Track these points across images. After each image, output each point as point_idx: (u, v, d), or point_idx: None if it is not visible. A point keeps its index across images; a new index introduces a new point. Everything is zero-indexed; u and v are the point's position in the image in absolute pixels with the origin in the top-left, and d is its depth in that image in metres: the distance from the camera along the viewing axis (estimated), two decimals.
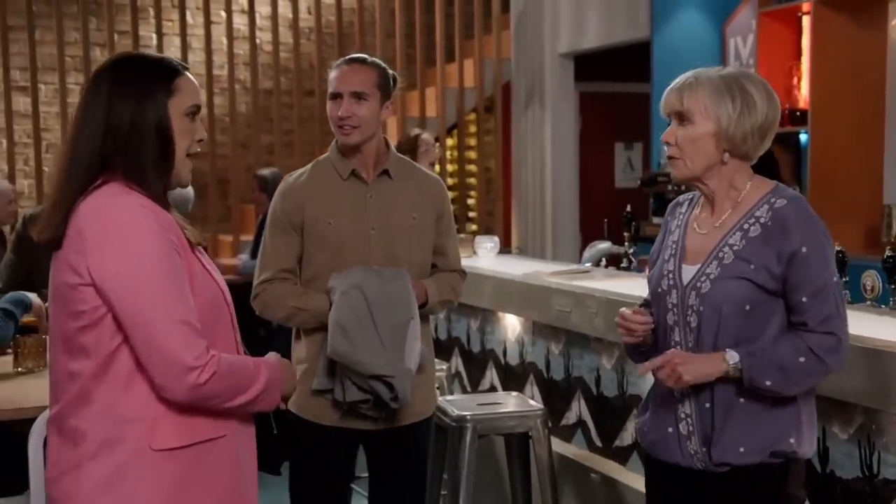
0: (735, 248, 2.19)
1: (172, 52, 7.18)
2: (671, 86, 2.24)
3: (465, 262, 4.47)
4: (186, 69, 2.08)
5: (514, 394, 3.70)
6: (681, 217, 2.36)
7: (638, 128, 6.98)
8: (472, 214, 8.05)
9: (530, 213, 7.28)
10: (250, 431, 2.13)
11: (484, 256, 4.82)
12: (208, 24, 6.91)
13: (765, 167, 2.33)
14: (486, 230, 7.60)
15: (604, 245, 4.48)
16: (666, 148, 2.26)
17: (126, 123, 1.95)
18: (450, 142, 7.89)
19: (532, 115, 7.27)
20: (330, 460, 2.96)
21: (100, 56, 6.96)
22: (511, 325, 4.16)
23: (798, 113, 5.22)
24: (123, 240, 1.90)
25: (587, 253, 4.53)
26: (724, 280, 2.18)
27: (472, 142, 8.00)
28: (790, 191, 2.24)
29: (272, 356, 2.17)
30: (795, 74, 5.33)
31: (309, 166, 3.00)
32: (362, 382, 2.74)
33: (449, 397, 3.61)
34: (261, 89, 7.44)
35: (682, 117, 2.20)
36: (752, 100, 2.17)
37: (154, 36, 6.91)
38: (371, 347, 2.71)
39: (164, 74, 2.01)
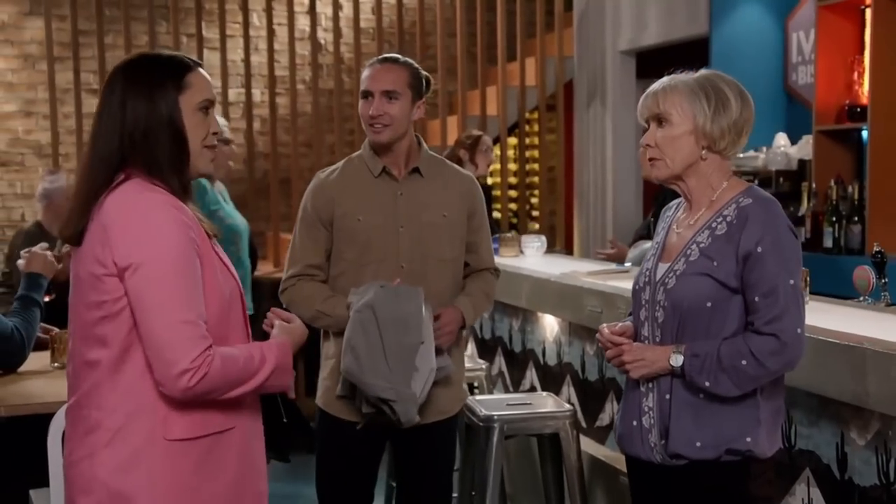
0: (702, 245, 2.25)
1: (238, 53, 7.30)
2: (647, 91, 2.32)
3: (511, 262, 4.49)
4: (199, 65, 2.13)
5: (546, 394, 3.67)
6: (667, 219, 2.44)
7: None
8: (534, 214, 8.01)
9: (591, 212, 7.21)
10: (258, 423, 2.19)
11: (531, 256, 4.80)
12: (270, 25, 7.00)
13: None
14: (549, 230, 7.56)
15: (647, 244, 4.40)
16: (646, 151, 2.33)
17: (140, 122, 2.02)
18: (512, 141, 7.86)
19: (594, 113, 7.20)
20: (355, 456, 2.99)
21: None
22: (549, 325, 4.13)
23: (858, 109, 5.05)
24: (146, 235, 1.97)
25: (631, 253, 4.46)
26: (688, 276, 2.24)
27: (536, 141, 7.96)
28: (761, 191, 2.30)
29: (281, 338, 2.19)
30: (857, 70, 5.16)
31: (341, 163, 3.05)
32: (371, 398, 2.79)
33: (479, 397, 3.61)
34: (323, 89, 7.52)
35: (660, 119, 2.29)
36: (726, 97, 2.26)
37: (218, 38, 7.02)
38: (377, 370, 2.75)
39: (173, 71, 2.07)
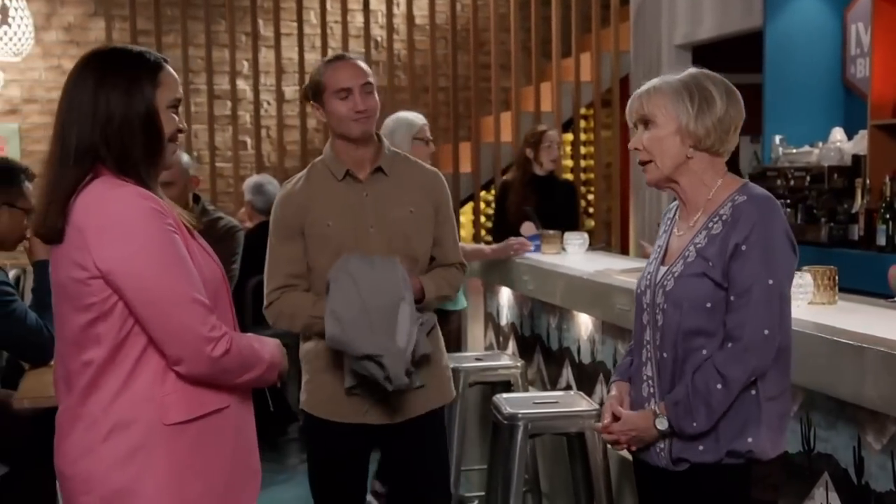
0: (699, 246, 2.22)
1: (296, 51, 7.36)
2: (634, 93, 2.31)
3: (550, 259, 4.46)
4: (167, 62, 2.12)
5: (576, 393, 3.63)
6: (668, 223, 2.41)
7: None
8: (591, 211, 7.94)
9: (647, 209, 7.11)
10: (249, 402, 2.22)
11: (573, 253, 4.75)
12: (324, 23, 7.06)
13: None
14: (606, 227, 7.49)
15: None
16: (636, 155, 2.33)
17: (116, 116, 2.00)
18: (567, 137, 7.80)
19: None
20: (343, 454, 3.00)
21: (226, 56, 7.19)
22: (584, 323, 4.09)
23: None
24: (124, 230, 1.96)
25: None
26: (685, 278, 2.21)
27: (591, 137, 7.89)
28: (757, 189, 2.24)
29: (265, 338, 2.24)
30: None
31: (304, 171, 3.05)
32: (356, 365, 2.79)
33: (505, 395, 3.58)
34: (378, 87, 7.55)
35: (646, 121, 2.27)
36: (711, 96, 2.22)
37: (273, 36, 7.11)
38: (360, 329, 2.74)
39: (148, 67, 2.05)
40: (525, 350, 4.72)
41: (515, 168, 5.57)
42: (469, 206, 7.38)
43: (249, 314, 5.51)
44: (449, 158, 7.21)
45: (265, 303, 2.98)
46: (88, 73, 2.04)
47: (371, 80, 2.92)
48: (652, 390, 2.28)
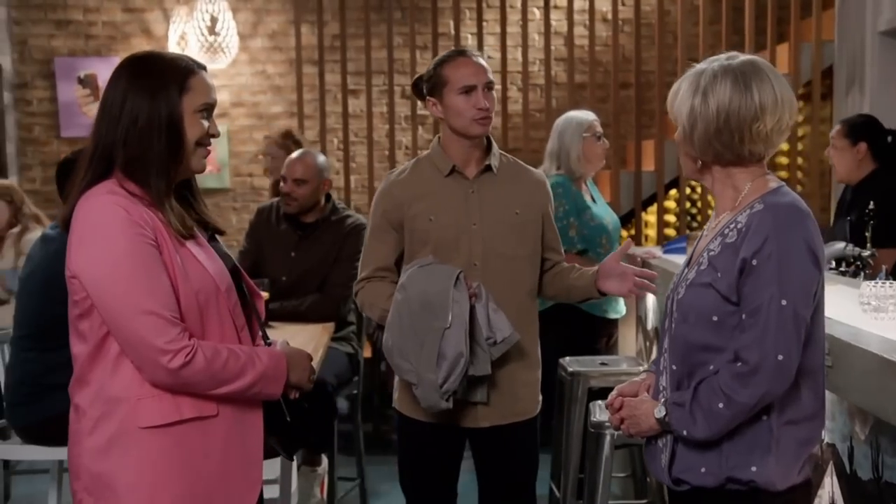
0: (712, 253, 2.04)
1: (488, 50, 7.37)
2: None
3: (678, 258, 4.23)
4: (203, 68, 2.16)
5: None
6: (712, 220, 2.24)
7: None
8: None
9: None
10: (254, 413, 2.19)
11: None
12: (504, 21, 7.03)
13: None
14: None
15: (839, 245, 3.96)
16: None
17: (140, 118, 2.07)
18: None
19: (852, 101, 6.57)
20: (432, 453, 2.99)
21: (420, 59, 7.31)
22: None
23: None
24: (93, 237, 2.04)
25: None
26: (695, 287, 2.04)
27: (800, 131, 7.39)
28: (781, 197, 2.01)
29: (282, 345, 2.24)
30: None
31: (409, 165, 3.03)
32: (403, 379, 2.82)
33: (600, 402, 3.43)
34: (561, 83, 7.45)
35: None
36: (707, 102, 2.01)
37: (467, 36, 7.16)
38: (404, 352, 2.73)
39: (177, 73, 2.12)
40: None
41: None
42: (653, 207, 7.13)
43: None
44: (632, 157, 7.00)
45: (353, 291, 3.05)
46: (122, 78, 2.13)
47: (492, 78, 2.88)
48: (665, 402, 2.12)
